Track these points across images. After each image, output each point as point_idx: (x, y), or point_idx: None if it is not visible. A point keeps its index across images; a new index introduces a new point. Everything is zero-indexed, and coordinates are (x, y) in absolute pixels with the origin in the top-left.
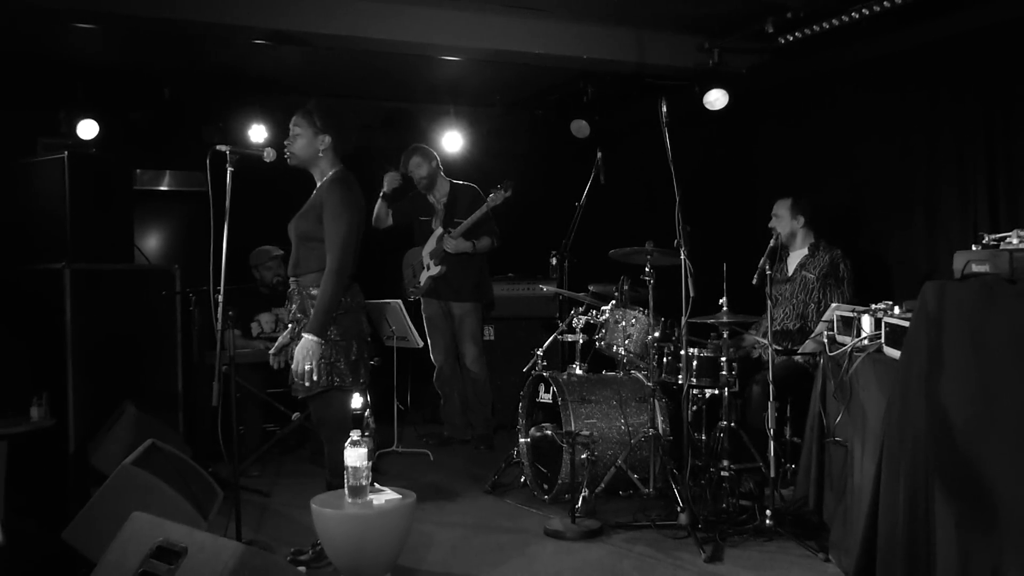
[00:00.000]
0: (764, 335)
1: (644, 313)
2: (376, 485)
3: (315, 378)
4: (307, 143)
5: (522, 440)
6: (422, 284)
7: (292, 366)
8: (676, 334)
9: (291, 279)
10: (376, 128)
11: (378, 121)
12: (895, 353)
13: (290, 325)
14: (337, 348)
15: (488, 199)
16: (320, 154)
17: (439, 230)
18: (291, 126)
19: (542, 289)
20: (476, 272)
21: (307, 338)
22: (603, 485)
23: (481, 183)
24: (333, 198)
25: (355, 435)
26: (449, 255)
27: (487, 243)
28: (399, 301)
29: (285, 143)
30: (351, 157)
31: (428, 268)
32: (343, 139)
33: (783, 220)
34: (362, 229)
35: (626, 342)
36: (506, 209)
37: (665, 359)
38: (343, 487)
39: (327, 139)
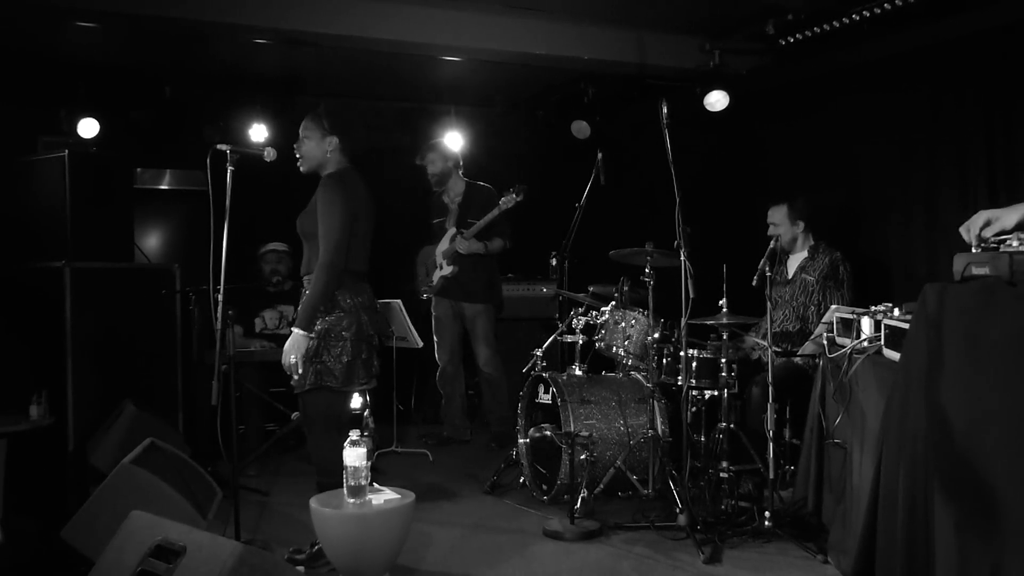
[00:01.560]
0: (764, 337)
1: (644, 314)
2: (375, 485)
3: (300, 371)
4: (315, 145)
5: (521, 441)
6: (435, 283)
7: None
8: (676, 335)
9: (303, 277)
10: (376, 128)
11: (378, 121)
12: (895, 355)
13: None
14: (329, 348)
15: (500, 202)
16: (328, 155)
17: (452, 230)
18: (300, 130)
19: (542, 290)
20: (488, 273)
21: (293, 331)
22: (602, 486)
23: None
24: (324, 195)
25: (354, 435)
26: (461, 255)
27: (499, 244)
28: (399, 301)
29: (295, 146)
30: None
31: (441, 268)
32: (353, 139)
33: (782, 227)
34: (365, 225)
35: (626, 343)
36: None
37: (665, 360)
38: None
39: (335, 141)
